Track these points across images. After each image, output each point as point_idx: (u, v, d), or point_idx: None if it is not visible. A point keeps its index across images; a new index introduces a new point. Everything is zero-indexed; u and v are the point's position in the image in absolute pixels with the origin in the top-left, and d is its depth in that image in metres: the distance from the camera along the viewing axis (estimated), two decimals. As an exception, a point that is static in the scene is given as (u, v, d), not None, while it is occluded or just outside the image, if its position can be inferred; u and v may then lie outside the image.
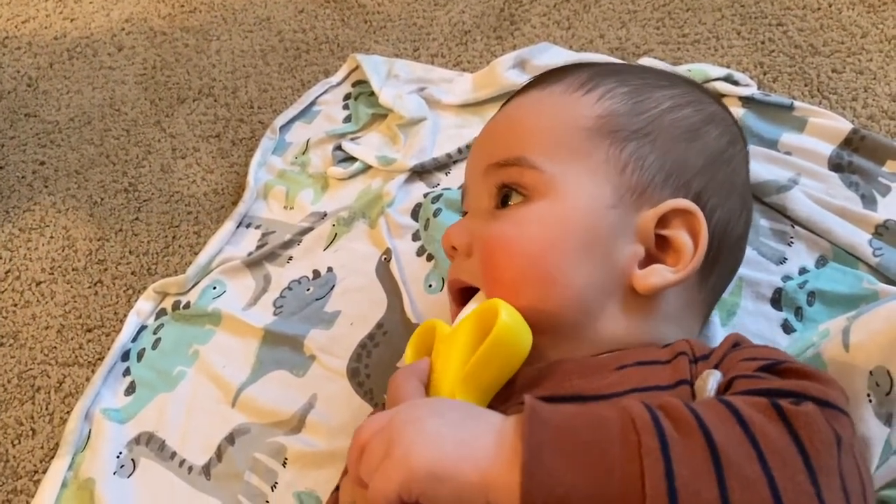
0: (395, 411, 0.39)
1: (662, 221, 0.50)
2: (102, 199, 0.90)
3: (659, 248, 0.50)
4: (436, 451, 0.36)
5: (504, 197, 0.52)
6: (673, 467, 0.33)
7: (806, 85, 0.81)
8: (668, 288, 0.49)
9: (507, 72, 0.86)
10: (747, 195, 0.57)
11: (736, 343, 0.46)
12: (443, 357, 0.48)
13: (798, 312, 0.63)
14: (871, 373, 0.53)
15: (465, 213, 0.59)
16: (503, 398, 0.47)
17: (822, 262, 0.67)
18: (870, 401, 0.53)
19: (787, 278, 0.66)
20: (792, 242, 0.68)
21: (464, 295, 0.53)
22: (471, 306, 0.51)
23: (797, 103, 0.76)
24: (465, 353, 0.46)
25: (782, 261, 0.67)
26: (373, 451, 0.38)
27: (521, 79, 0.85)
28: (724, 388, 0.41)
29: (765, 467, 0.33)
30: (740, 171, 0.56)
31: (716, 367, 0.44)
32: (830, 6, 0.88)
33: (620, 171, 0.50)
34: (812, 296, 0.64)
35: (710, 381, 0.42)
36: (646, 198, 0.50)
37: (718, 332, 0.61)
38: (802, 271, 0.66)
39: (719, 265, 0.53)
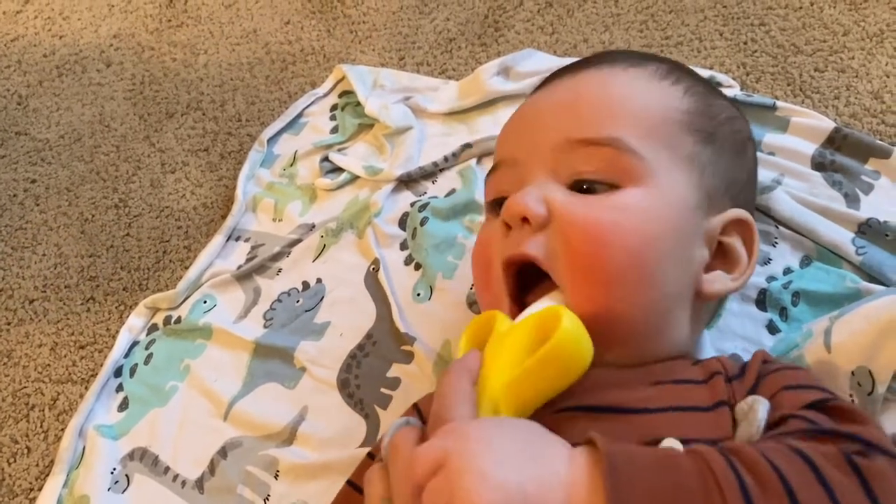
0: (450, 448, 0.35)
1: (723, 229, 0.50)
2: (93, 216, 0.91)
3: (714, 256, 0.50)
4: (501, 476, 0.33)
5: (584, 180, 0.48)
6: None
7: (789, 84, 0.81)
8: (726, 295, 0.50)
9: (491, 79, 0.87)
10: (753, 208, 0.59)
11: (764, 360, 0.46)
12: (495, 355, 0.44)
13: (783, 313, 0.64)
14: (852, 373, 0.53)
15: (492, 204, 0.54)
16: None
17: (806, 261, 0.67)
18: (852, 401, 0.53)
19: (771, 279, 0.66)
20: (776, 243, 0.68)
21: (520, 276, 0.48)
22: (538, 306, 0.46)
23: (780, 103, 0.77)
24: (518, 356, 0.42)
25: (767, 261, 0.67)
26: (432, 498, 0.35)
27: (506, 86, 0.86)
28: (773, 423, 0.40)
29: None
30: (757, 186, 0.58)
31: (754, 386, 0.43)
32: (812, 5, 0.88)
33: (701, 172, 0.50)
34: (796, 296, 0.64)
35: (760, 410, 0.41)
36: (714, 203, 0.50)
37: (704, 334, 0.61)
38: (787, 271, 0.66)
39: None
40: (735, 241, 0.50)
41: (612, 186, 0.47)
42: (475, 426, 0.37)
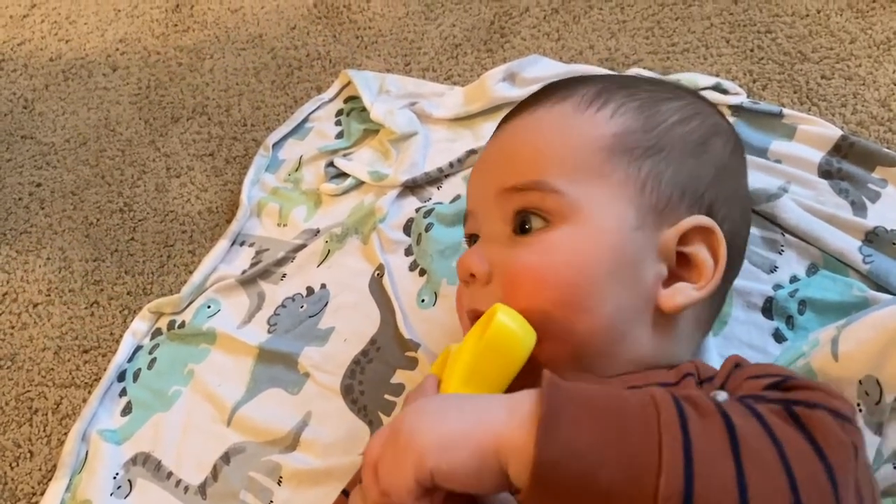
0: (396, 423, 0.39)
1: (682, 239, 0.50)
2: (98, 220, 0.91)
3: (679, 266, 0.50)
4: (441, 425, 0.37)
5: (522, 222, 0.51)
6: (691, 441, 0.33)
7: (795, 92, 0.81)
8: (693, 306, 0.49)
9: (496, 85, 0.87)
10: (747, 203, 0.57)
11: (737, 364, 0.46)
12: (449, 370, 0.47)
13: (789, 321, 0.63)
14: (860, 382, 0.53)
15: (470, 238, 0.58)
16: None
17: (812, 269, 0.67)
18: (860, 410, 0.53)
19: (777, 287, 0.66)
20: (782, 251, 0.68)
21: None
22: None
23: (786, 111, 0.76)
24: (467, 362, 0.45)
25: (773, 269, 0.67)
26: (385, 458, 0.38)
27: (512, 92, 0.86)
28: None
29: (783, 459, 0.33)
30: (742, 180, 0.56)
31: (721, 387, 0.43)
32: (819, 13, 0.88)
33: (640, 191, 0.50)
34: (803, 304, 0.64)
35: (718, 397, 0.41)
36: (665, 216, 0.50)
37: (710, 343, 0.61)
38: (793, 279, 0.66)
39: (725, 278, 0.53)
40: (698, 249, 0.50)
41: (549, 225, 0.50)
42: (420, 402, 0.40)
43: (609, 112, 0.52)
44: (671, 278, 0.50)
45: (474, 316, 0.51)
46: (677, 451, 0.33)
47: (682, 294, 0.49)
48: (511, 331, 0.44)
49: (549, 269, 0.48)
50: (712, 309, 0.55)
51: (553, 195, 0.49)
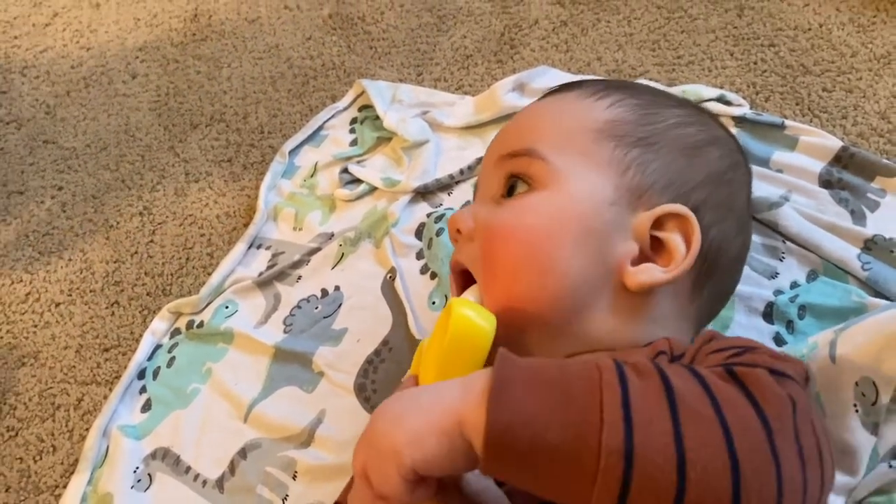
0: (368, 427, 0.41)
1: (658, 224, 0.51)
2: (118, 223, 0.93)
3: (653, 251, 0.52)
4: (405, 422, 0.39)
5: (511, 186, 0.54)
6: (630, 398, 0.35)
7: (797, 104, 0.83)
8: (658, 286, 0.50)
9: (506, 94, 0.89)
10: (746, 221, 0.58)
11: (710, 338, 0.47)
12: (424, 367, 0.50)
13: (789, 325, 0.65)
14: (856, 383, 0.55)
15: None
16: None
17: (812, 276, 0.69)
18: (856, 411, 0.55)
19: (778, 292, 0.68)
20: (783, 257, 0.70)
21: (465, 277, 0.55)
22: (466, 297, 0.53)
23: (788, 122, 0.79)
24: (438, 356, 0.47)
25: (774, 275, 0.69)
26: (370, 465, 0.39)
27: (521, 101, 0.88)
28: None
29: (718, 412, 0.35)
30: (740, 195, 0.57)
31: (690, 362, 0.45)
32: (821, 27, 0.90)
33: (622, 173, 0.52)
34: (803, 309, 0.66)
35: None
36: (644, 200, 0.52)
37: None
38: (794, 285, 0.68)
39: (712, 281, 0.55)
40: (672, 236, 0.51)
41: (531, 189, 0.53)
42: (382, 405, 0.42)
43: (607, 102, 0.56)
44: (643, 259, 0.51)
45: (458, 269, 0.55)
46: (617, 408, 0.35)
47: (647, 273, 0.50)
48: (470, 321, 0.46)
49: (520, 227, 0.52)
50: (699, 308, 0.55)
51: (538, 162, 0.53)
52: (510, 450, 0.36)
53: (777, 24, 0.92)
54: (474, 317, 0.46)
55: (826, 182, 0.74)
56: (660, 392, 0.36)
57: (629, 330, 0.51)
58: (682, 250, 0.51)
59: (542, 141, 0.54)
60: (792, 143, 0.77)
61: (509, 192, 0.55)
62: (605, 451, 0.34)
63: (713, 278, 0.55)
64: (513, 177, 0.55)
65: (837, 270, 0.68)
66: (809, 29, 0.90)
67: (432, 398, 0.40)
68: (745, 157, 0.59)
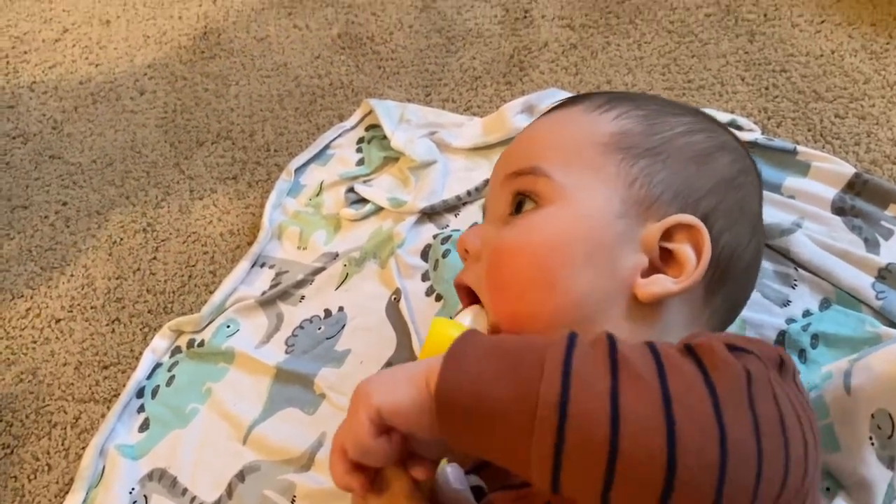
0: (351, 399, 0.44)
1: (667, 235, 0.51)
2: (122, 239, 0.93)
3: (663, 261, 0.51)
4: (386, 376, 0.43)
5: (518, 204, 0.55)
6: (572, 359, 0.37)
7: (809, 130, 0.83)
8: (669, 297, 0.50)
9: (515, 116, 0.89)
10: (758, 225, 0.58)
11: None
12: None
13: (802, 354, 0.64)
14: (872, 416, 0.54)
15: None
16: None
17: (825, 304, 0.67)
18: (872, 444, 0.54)
19: (790, 321, 0.67)
20: (795, 285, 0.69)
21: (470, 295, 0.55)
22: (459, 318, 0.54)
23: (800, 148, 0.78)
24: None
25: (786, 303, 0.68)
26: (344, 428, 0.43)
27: (529, 122, 0.87)
28: None
29: (661, 376, 0.36)
30: (751, 200, 0.57)
31: None
32: (833, 53, 0.90)
33: (629, 185, 0.52)
34: (815, 338, 0.64)
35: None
36: (652, 211, 0.52)
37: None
38: (806, 314, 0.67)
39: (725, 288, 0.54)
40: (683, 247, 0.51)
41: (537, 206, 0.53)
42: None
43: (613, 115, 0.56)
44: (653, 271, 0.51)
45: (462, 288, 0.56)
46: (558, 364, 0.36)
47: (658, 284, 0.50)
48: (449, 336, 0.46)
49: (527, 245, 0.52)
50: (712, 316, 0.54)
51: (544, 179, 0.53)
52: (457, 405, 0.38)
53: (789, 49, 0.92)
54: (453, 333, 0.46)
55: (839, 209, 0.73)
56: (604, 355, 0.37)
57: (642, 339, 0.50)
58: (693, 260, 0.50)
59: (548, 158, 0.54)
60: (804, 169, 0.76)
61: (517, 210, 0.54)
62: (542, 402, 0.35)
63: (726, 285, 0.54)
64: (519, 195, 0.55)
65: (851, 299, 0.67)
66: (821, 55, 0.90)
67: (407, 366, 0.43)
68: (754, 162, 0.59)
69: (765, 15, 0.97)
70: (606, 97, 0.58)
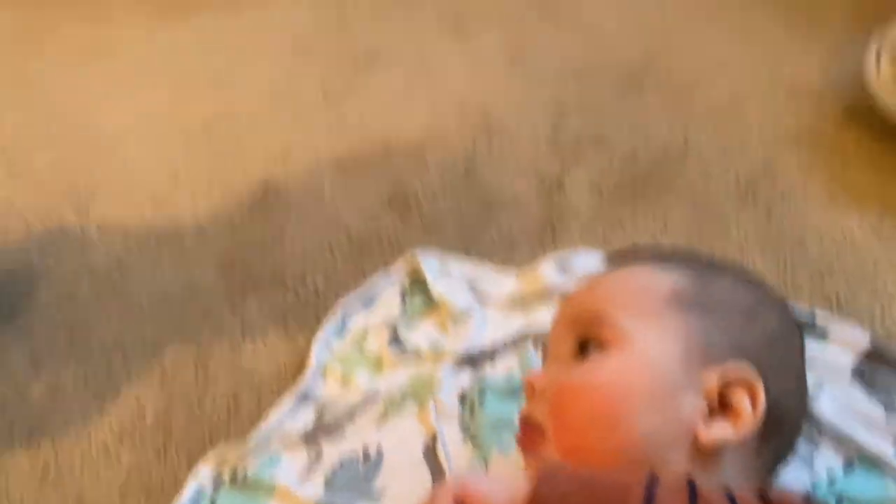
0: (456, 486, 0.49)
1: (724, 384, 0.56)
2: (173, 372, 0.98)
3: (720, 408, 0.56)
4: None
5: (582, 348, 0.60)
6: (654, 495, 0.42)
7: (825, 305, 0.89)
8: (728, 444, 0.54)
9: (548, 272, 0.96)
10: (803, 378, 0.64)
11: None
12: None
13: (828, 515, 0.66)
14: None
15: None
16: None
17: (848, 465, 0.70)
18: None
19: (814, 484, 0.69)
20: (818, 445, 0.72)
21: (532, 432, 0.60)
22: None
23: (819, 312, 0.83)
24: None
25: (810, 462, 0.71)
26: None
27: (562, 279, 0.95)
28: None
29: None
30: (794, 351, 0.64)
31: None
32: (844, 235, 0.98)
33: (689, 335, 0.58)
34: (840, 501, 0.67)
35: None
36: (710, 358, 0.57)
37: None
38: (829, 473, 0.69)
39: (774, 440, 0.59)
40: (739, 397, 0.56)
41: (603, 352, 0.58)
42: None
43: (671, 273, 0.63)
44: (711, 416, 0.56)
45: (526, 422, 0.61)
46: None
47: (720, 430, 0.55)
48: None
49: (590, 388, 0.57)
50: (764, 464, 0.59)
51: (610, 326, 0.59)
52: None
53: (804, 227, 1.00)
54: None
55: (858, 376, 0.77)
56: (685, 499, 0.41)
57: (702, 481, 0.54)
58: (750, 410, 0.55)
59: (612, 305, 0.60)
60: (823, 334, 0.81)
61: (581, 352, 0.60)
62: None
63: (776, 437, 0.59)
64: (584, 339, 0.60)
65: (874, 460, 0.69)
66: (835, 234, 0.98)
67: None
68: (794, 315, 0.66)
69: (781, 193, 1.06)
70: (664, 258, 0.66)
